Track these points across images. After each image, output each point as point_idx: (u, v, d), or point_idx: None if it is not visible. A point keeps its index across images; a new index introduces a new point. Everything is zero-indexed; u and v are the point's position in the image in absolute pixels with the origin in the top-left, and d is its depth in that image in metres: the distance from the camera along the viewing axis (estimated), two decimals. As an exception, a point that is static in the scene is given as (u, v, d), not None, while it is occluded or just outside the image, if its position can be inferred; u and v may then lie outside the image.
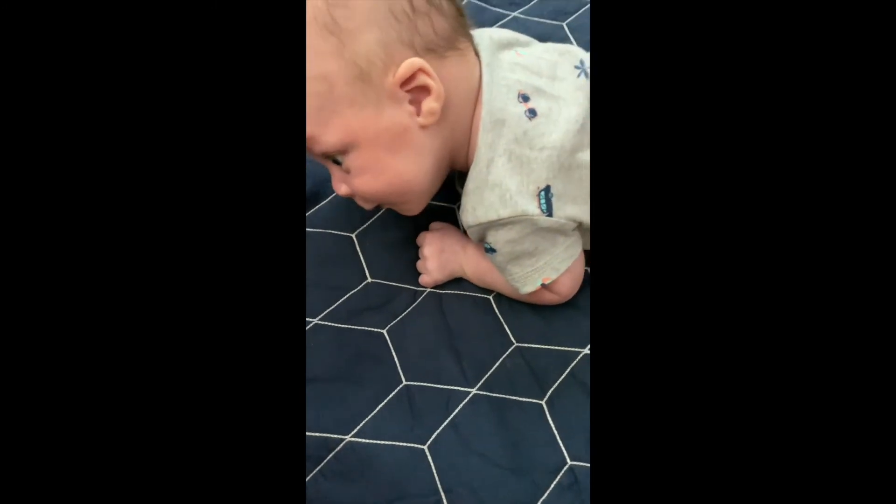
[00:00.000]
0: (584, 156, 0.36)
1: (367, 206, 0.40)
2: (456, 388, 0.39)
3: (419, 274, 0.44)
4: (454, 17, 0.35)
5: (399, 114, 0.33)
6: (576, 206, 0.36)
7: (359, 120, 0.33)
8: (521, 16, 0.57)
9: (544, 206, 0.35)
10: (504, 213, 0.35)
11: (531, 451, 0.37)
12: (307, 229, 0.45)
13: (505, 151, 0.35)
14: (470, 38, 0.37)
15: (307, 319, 0.41)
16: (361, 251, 0.45)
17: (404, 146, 0.35)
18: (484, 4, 0.57)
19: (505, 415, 0.38)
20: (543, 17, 0.57)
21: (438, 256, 0.42)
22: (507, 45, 0.39)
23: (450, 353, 0.41)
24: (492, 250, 0.38)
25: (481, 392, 0.39)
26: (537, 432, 0.38)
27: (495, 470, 0.36)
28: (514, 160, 0.35)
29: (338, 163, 0.35)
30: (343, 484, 0.35)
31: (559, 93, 0.37)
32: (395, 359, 0.40)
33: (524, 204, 0.35)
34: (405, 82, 0.33)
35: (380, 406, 0.38)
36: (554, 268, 0.38)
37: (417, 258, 0.44)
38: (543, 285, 0.39)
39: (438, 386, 0.39)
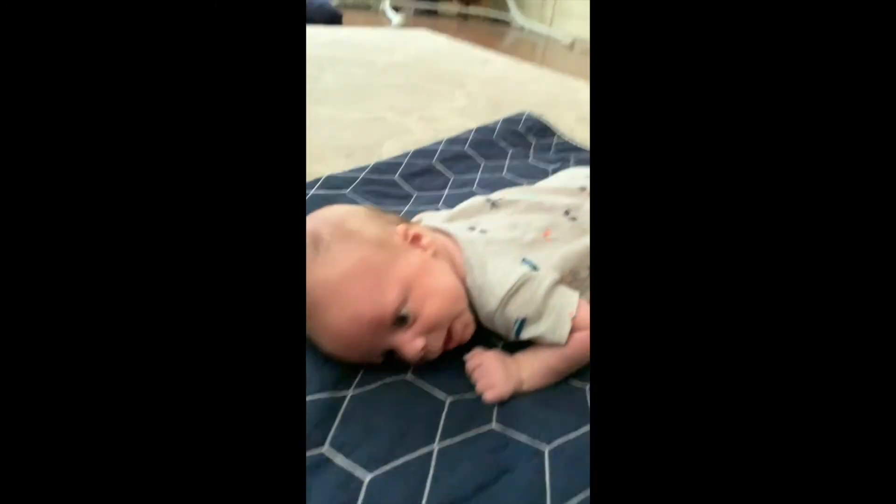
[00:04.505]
0: (528, 236, 0.53)
1: (436, 350, 0.47)
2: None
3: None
4: (394, 216, 0.55)
5: (416, 254, 0.48)
6: (544, 262, 0.50)
7: (399, 268, 0.45)
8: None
9: (529, 266, 0.49)
10: (512, 279, 0.47)
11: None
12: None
13: (487, 253, 0.50)
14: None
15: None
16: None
17: (433, 269, 0.48)
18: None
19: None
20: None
21: (503, 366, 0.47)
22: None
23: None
24: (521, 323, 0.47)
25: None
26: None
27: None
28: (495, 254, 0.50)
29: (404, 320, 0.44)
30: None
31: (484, 217, 0.57)
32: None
33: (519, 270, 0.48)
34: (405, 238, 0.49)
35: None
36: (569, 302, 0.48)
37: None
38: (572, 319, 0.47)
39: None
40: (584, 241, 0.54)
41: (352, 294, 0.42)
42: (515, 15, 3.15)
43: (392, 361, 0.47)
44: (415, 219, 0.59)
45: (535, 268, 0.49)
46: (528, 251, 0.51)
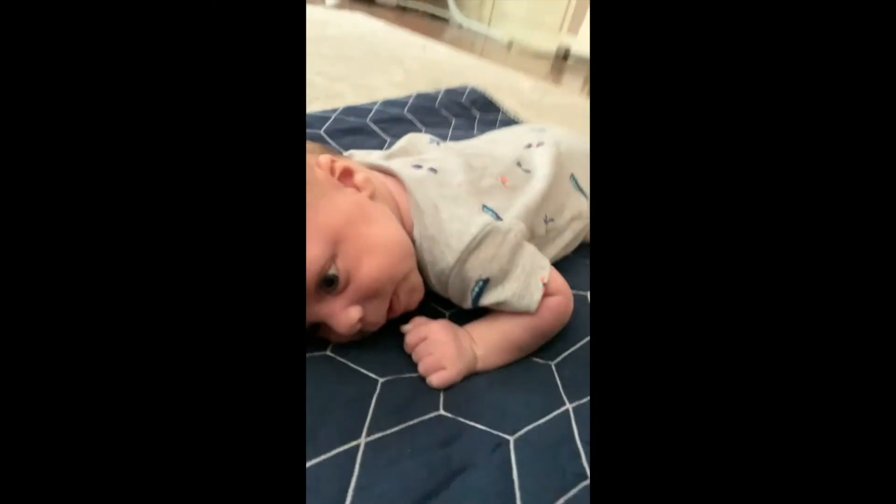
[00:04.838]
0: (485, 181, 0.43)
1: (376, 323, 0.36)
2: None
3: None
4: (313, 144, 0.44)
5: (347, 195, 0.36)
6: (505, 213, 0.41)
7: (324, 214, 0.33)
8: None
9: (493, 216, 0.39)
10: (473, 230, 0.36)
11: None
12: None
13: (440, 197, 0.39)
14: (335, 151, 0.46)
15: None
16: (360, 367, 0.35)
17: (371, 214, 0.36)
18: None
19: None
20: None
21: (454, 341, 0.36)
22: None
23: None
24: (482, 285, 0.37)
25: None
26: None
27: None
28: (450, 199, 0.39)
29: (333, 283, 0.33)
30: None
31: (431, 155, 0.46)
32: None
33: (481, 219, 0.37)
34: (331, 172, 0.37)
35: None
36: (539, 265, 0.39)
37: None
38: (544, 286, 0.39)
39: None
40: (541, 192, 0.46)
41: None
42: (454, 12, 3.11)
43: (311, 337, 0.35)
44: (344, 154, 0.47)
45: (497, 218, 0.39)
46: (486, 198, 0.41)
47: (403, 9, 3.21)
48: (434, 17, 3.18)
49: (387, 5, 3.12)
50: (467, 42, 2.63)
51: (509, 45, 2.75)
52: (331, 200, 0.34)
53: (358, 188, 0.38)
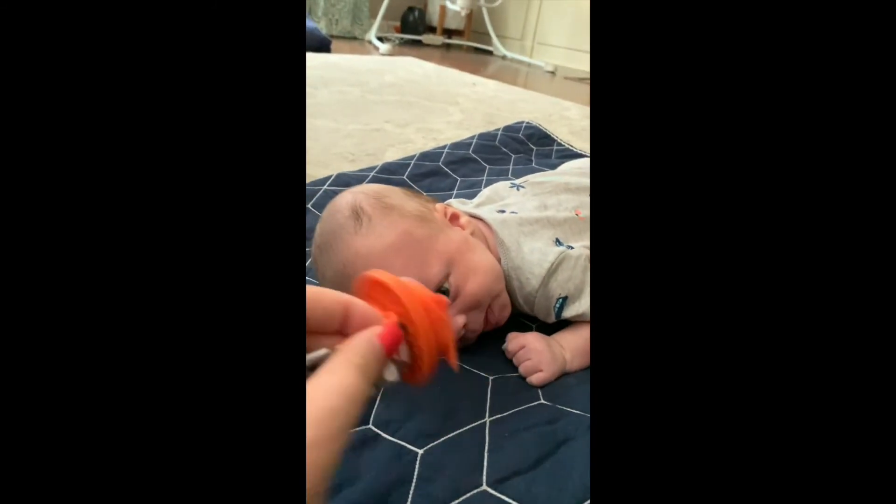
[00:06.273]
0: (560, 215, 0.53)
1: (476, 330, 0.45)
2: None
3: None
4: (429, 197, 0.56)
5: (456, 231, 0.48)
6: (576, 242, 0.51)
7: (441, 243, 0.44)
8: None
9: (564, 246, 0.49)
10: (551, 257, 0.46)
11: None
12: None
13: (520, 234, 0.50)
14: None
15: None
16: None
17: (474, 246, 0.47)
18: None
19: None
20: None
21: (550, 349, 0.45)
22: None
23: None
24: (562, 301, 0.46)
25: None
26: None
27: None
28: (529, 235, 0.50)
29: (445, 292, 0.43)
30: None
31: (512, 200, 0.56)
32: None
33: (556, 249, 0.47)
34: (445, 215, 0.49)
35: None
36: None
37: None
38: None
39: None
40: None
41: (395, 266, 0.41)
42: (497, 45, 3.26)
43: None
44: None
45: (567, 247, 0.49)
46: (560, 230, 0.51)
47: (448, 46, 3.41)
48: (478, 50, 3.36)
49: (433, 45, 3.33)
50: (512, 71, 2.76)
51: (554, 72, 2.86)
52: (446, 235, 0.45)
53: (463, 227, 0.49)
